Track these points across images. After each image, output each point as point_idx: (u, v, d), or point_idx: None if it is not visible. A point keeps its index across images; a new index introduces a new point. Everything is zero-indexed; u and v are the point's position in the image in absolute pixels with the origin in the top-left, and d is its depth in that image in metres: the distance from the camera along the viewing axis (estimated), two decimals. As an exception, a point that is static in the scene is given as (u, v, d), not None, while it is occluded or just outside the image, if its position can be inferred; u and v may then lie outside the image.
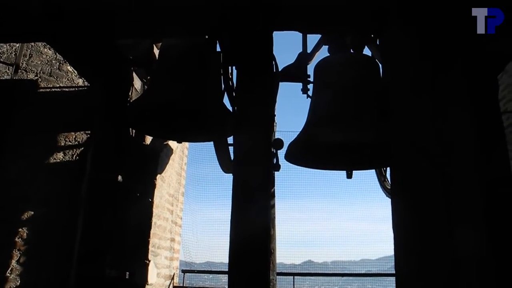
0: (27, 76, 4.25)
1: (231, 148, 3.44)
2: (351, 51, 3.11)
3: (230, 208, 2.38)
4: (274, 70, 2.92)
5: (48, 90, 4.25)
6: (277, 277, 2.39)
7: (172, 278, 4.99)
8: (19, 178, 3.78)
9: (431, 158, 2.13)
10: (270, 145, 2.57)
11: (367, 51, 3.17)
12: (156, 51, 3.55)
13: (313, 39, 3.30)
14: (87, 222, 3.05)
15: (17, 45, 4.31)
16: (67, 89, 4.31)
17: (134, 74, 3.70)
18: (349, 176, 3.07)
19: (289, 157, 2.96)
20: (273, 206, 2.47)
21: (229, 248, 2.30)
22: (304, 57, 3.26)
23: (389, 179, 3.59)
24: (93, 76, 3.47)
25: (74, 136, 4.02)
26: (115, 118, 3.24)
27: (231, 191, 2.42)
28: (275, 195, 2.83)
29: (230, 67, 3.20)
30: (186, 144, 5.57)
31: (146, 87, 3.83)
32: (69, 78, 4.34)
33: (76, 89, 4.33)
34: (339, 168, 3.18)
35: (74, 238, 3.11)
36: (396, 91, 2.36)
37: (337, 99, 2.84)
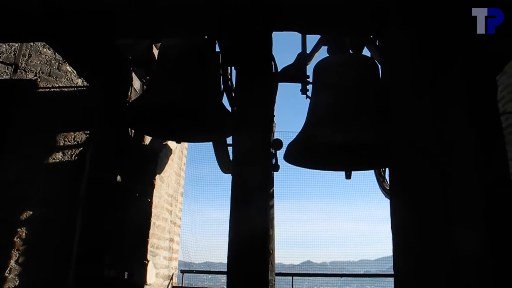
0: (26, 76, 4.25)
1: (230, 148, 3.44)
2: (350, 51, 3.12)
3: (229, 208, 2.38)
4: (274, 71, 2.92)
5: (47, 90, 4.25)
6: (276, 277, 2.39)
7: (171, 278, 4.99)
8: (18, 178, 3.77)
9: (431, 158, 2.13)
10: (269, 145, 2.57)
11: (366, 52, 3.18)
12: (156, 51, 3.55)
13: (312, 39, 3.30)
14: (86, 222, 3.05)
15: (16, 45, 4.31)
16: (66, 89, 4.31)
17: (133, 74, 3.70)
18: (348, 176, 3.08)
19: (288, 158, 2.96)
20: (272, 206, 2.47)
21: (228, 249, 2.30)
22: (303, 58, 3.26)
23: (388, 180, 3.59)
24: (92, 76, 3.47)
25: (73, 136, 4.02)
26: (114, 118, 3.23)
27: (230, 192, 2.42)
28: (274, 195, 2.83)
29: (229, 67, 3.20)
30: (185, 144, 5.57)
31: (145, 87, 3.83)
32: (68, 78, 4.34)
33: (75, 89, 4.33)
34: (338, 169, 3.19)
35: (73, 238, 3.11)
36: (396, 91, 2.36)
37: (336, 99, 2.84)
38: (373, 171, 3.76)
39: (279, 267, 7.57)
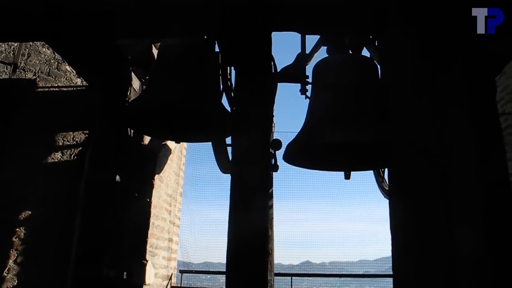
0: (25, 76, 4.24)
1: (229, 149, 3.44)
2: (350, 52, 3.12)
3: (228, 208, 2.38)
4: (273, 71, 2.92)
5: (46, 89, 4.24)
6: (275, 277, 2.39)
7: (170, 278, 4.98)
8: (17, 177, 3.77)
9: (430, 158, 2.13)
10: (268, 145, 2.57)
11: (365, 52, 3.18)
12: (155, 51, 3.55)
13: (311, 39, 3.30)
14: (85, 222, 3.05)
15: (16, 44, 4.30)
16: (65, 89, 4.31)
17: (132, 74, 3.70)
18: (347, 177, 3.08)
19: (287, 158, 2.96)
20: (271, 206, 2.47)
21: (227, 249, 2.30)
22: (302, 58, 3.26)
23: (387, 180, 3.59)
24: (92, 76, 3.46)
25: (72, 136, 4.02)
26: (114, 118, 3.23)
27: (229, 192, 2.42)
28: (273, 195, 2.83)
29: (228, 68, 3.20)
30: (185, 144, 5.57)
31: (144, 87, 3.83)
32: (67, 78, 4.33)
33: (74, 88, 4.32)
34: (337, 169, 3.19)
35: (71, 238, 3.11)
36: (396, 91, 2.36)
37: (335, 99, 2.84)
38: (372, 171, 3.76)
39: (278, 267, 7.57)
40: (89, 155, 3.29)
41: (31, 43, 4.33)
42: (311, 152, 3.02)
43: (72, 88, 4.32)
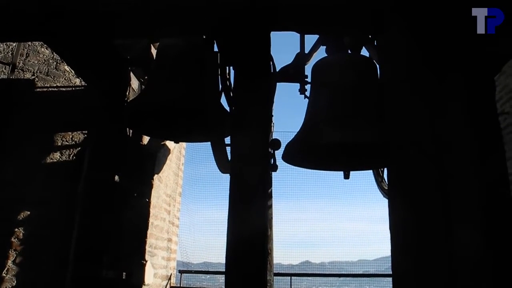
0: (24, 76, 4.24)
1: (228, 149, 3.43)
2: (349, 51, 3.12)
3: (227, 208, 2.38)
4: (272, 71, 2.92)
5: (45, 89, 4.24)
6: (275, 277, 2.38)
7: (169, 279, 4.98)
8: (16, 178, 3.76)
9: (429, 158, 2.13)
10: (267, 145, 2.57)
11: (364, 52, 3.18)
12: (154, 51, 3.55)
13: (310, 39, 3.30)
14: (84, 222, 3.05)
15: (14, 44, 4.29)
16: (64, 89, 4.30)
17: (131, 74, 3.69)
18: (346, 176, 3.07)
19: (286, 158, 2.96)
20: (270, 206, 2.47)
21: (226, 248, 2.30)
22: (301, 58, 3.26)
23: (386, 180, 3.59)
24: (91, 76, 3.45)
25: (71, 136, 4.01)
26: (112, 118, 3.23)
27: (228, 192, 2.42)
28: (273, 195, 2.83)
29: (227, 67, 3.20)
30: (184, 144, 5.57)
31: (143, 87, 3.82)
32: (66, 78, 4.33)
33: (73, 88, 4.31)
34: (337, 169, 3.18)
35: (70, 238, 3.11)
36: (395, 91, 2.36)
37: (335, 99, 2.84)
38: (371, 171, 3.76)
39: (278, 267, 7.58)
40: (88, 155, 3.29)
41: (29, 43, 4.32)
42: (310, 151, 3.01)
43: (70, 88, 4.31)
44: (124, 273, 3.49)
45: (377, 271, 9.07)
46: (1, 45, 4.31)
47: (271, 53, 2.76)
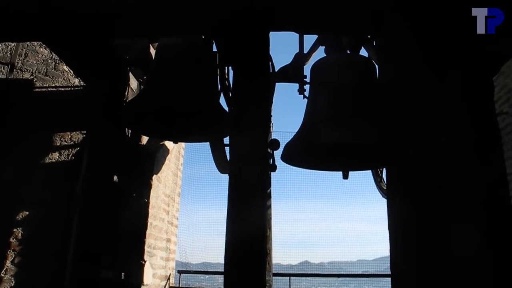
0: (22, 76, 4.23)
1: (227, 149, 3.43)
2: (348, 51, 3.12)
3: (226, 208, 2.38)
4: (271, 71, 2.91)
5: (44, 89, 4.23)
6: (274, 277, 2.38)
7: (168, 279, 4.98)
8: (14, 178, 3.75)
9: (428, 158, 2.13)
10: (266, 145, 2.57)
11: (363, 52, 3.18)
12: (153, 51, 3.54)
13: (309, 39, 3.30)
14: (83, 222, 3.04)
15: (13, 44, 4.28)
16: (63, 89, 4.29)
17: (130, 74, 3.69)
18: (345, 176, 3.07)
19: (285, 158, 2.96)
20: (269, 206, 2.46)
21: (225, 249, 2.30)
22: (300, 58, 3.25)
23: (385, 180, 3.59)
24: (89, 76, 3.45)
25: (70, 136, 4.01)
26: (111, 118, 3.22)
27: (227, 192, 2.41)
28: (272, 195, 2.82)
29: (226, 68, 3.19)
30: (182, 144, 5.56)
31: (142, 87, 3.82)
32: (65, 78, 4.32)
33: (72, 88, 4.31)
34: (336, 169, 3.18)
35: (69, 239, 3.10)
36: (395, 91, 2.36)
37: (333, 99, 2.84)
38: (370, 171, 3.75)
39: (277, 267, 7.57)
40: (86, 155, 3.28)
41: (28, 43, 4.31)
42: (309, 152, 3.01)
43: (69, 88, 4.31)
44: (122, 274, 3.48)
45: (376, 271, 9.07)
46: (0, 45, 4.30)
47: (270, 53, 2.76)
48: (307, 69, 3.23)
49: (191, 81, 2.96)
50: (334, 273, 8.25)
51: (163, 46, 3.19)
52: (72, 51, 3.02)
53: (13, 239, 3.63)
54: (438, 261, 1.98)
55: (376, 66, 2.95)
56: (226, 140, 3.43)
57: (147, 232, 4.09)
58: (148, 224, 4.11)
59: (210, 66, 3.11)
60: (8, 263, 3.56)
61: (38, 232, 3.66)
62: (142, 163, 4.07)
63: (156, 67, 3.22)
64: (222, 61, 3.07)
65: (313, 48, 3.28)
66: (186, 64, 3.03)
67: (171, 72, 3.02)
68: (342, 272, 8.24)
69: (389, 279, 2.27)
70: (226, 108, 3.08)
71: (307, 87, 3.21)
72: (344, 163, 3.09)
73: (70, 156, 3.95)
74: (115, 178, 3.33)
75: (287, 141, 2.92)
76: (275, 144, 2.70)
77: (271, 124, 2.85)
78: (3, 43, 4.29)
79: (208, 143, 3.55)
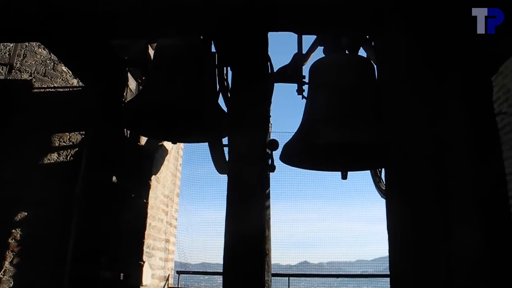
0: (21, 76, 4.22)
1: (226, 149, 3.43)
2: (346, 52, 3.12)
3: (225, 209, 2.38)
4: (269, 71, 2.91)
5: (42, 90, 4.22)
6: (273, 278, 2.38)
7: (167, 279, 4.97)
8: (13, 178, 3.75)
9: (427, 158, 2.13)
10: (265, 146, 2.57)
11: (362, 52, 3.18)
12: (151, 52, 3.54)
13: (308, 40, 3.30)
14: (81, 223, 3.04)
15: (11, 45, 4.27)
16: (61, 90, 4.29)
17: (129, 74, 3.68)
18: (344, 177, 3.07)
19: (284, 158, 2.96)
20: (268, 207, 2.46)
21: (224, 249, 2.29)
22: (299, 58, 3.26)
23: (384, 180, 3.59)
24: (88, 77, 3.45)
25: (68, 137, 4.00)
26: (110, 119, 3.22)
27: (226, 192, 2.41)
28: (271, 196, 2.83)
29: (225, 68, 3.19)
30: (181, 145, 5.56)
31: (141, 87, 3.81)
32: (63, 78, 4.32)
33: (70, 89, 4.30)
34: (334, 169, 3.19)
35: (68, 239, 3.10)
36: (395, 91, 2.36)
37: (332, 99, 2.84)
38: (369, 171, 3.76)
39: (276, 267, 7.57)
40: (85, 155, 3.28)
41: (26, 43, 4.31)
42: (308, 152, 3.01)
43: (68, 89, 4.30)
44: (121, 274, 3.48)
45: (375, 271, 9.08)
46: (-2, 46, 4.30)
47: (269, 53, 2.76)
48: (305, 70, 3.23)
49: (190, 82, 2.96)
50: (333, 273, 8.27)
51: (161, 46, 3.19)
52: (71, 51, 3.02)
53: (11, 239, 3.62)
54: (437, 261, 1.98)
55: (375, 66, 2.95)
56: (225, 141, 3.44)
57: (146, 232, 4.09)
58: (147, 224, 4.11)
59: (208, 66, 3.11)
60: (6, 264, 3.56)
61: (37, 233, 3.65)
62: (141, 163, 4.07)
63: (155, 68, 3.22)
64: (220, 61, 3.07)
65: (312, 49, 3.28)
66: (185, 65, 3.03)
67: (170, 73, 3.02)
68: (341, 272, 8.25)
69: (388, 279, 2.27)
70: (225, 109, 3.08)
71: (305, 87, 3.21)
72: (343, 163, 3.09)
73: (69, 156, 3.94)
74: (114, 178, 3.33)
75: (286, 142, 2.92)
76: (274, 144, 2.70)
77: (269, 125, 2.85)
78: (1, 44, 4.28)
79: (207, 143, 3.54)
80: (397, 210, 2.15)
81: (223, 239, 2.30)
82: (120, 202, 3.54)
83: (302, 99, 3.19)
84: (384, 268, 7.76)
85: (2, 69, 4.21)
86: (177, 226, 5.50)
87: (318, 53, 3.24)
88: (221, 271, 2.33)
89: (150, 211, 4.17)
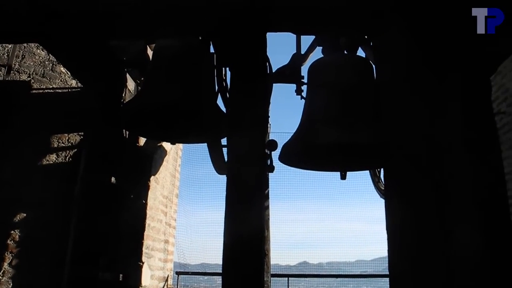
0: (19, 77, 4.22)
1: (225, 150, 3.42)
2: (345, 52, 3.12)
3: (224, 209, 2.37)
4: (268, 71, 2.91)
5: (41, 91, 4.23)
6: (272, 278, 2.38)
7: (166, 280, 4.97)
8: (12, 179, 3.74)
9: (426, 158, 2.13)
10: (264, 146, 2.57)
11: (360, 53, 3.18)
12: (150, 52, 3.53)
13: (307, 40, 3.30)
14: (80, 224, 3.03)
15: (10, 46, 4.28)
16: (60, 90, 4.29)
17: (127, 75, 3.68)
18: (343, 177, 3.07)
19: (283, 158, 2.95)
20: (267, 207, 2.46)
21: (223, 250, 2.29)
22: (298, 58, 3.25)
23: (383, 180, 3.59)
24: (87, 78, 3.45)
25: (67, 138, 4.00)
26: (109, 120, 3.22)
27: (225, 193, 2.41)
28: (270, 196, 2.83)
29: (224, 68, 3.19)
30: (180, 145, 5.56)
31: (139, 88, 3.81)
32: (62, 79, 4.31)
33: (69, 90, 4.30)
34: (333, 169, 3.18)
35: (67, 240, 3.09)
36: (395, 91, 2.36)
37: (331, 100, 2.84)
38: (368, 171, 3.75)
39: (276, 268, 7.57)
40: (84, 156, 3.28)
41: (25, 44, 4.31)
42: (307, 152, 3.01)
43: (67, 90, 4.30)
44: (121, 275, 3.48)
45: (374, 271, 9.08)
46: (-3, 47, 4.30)
47: (267, 54, 2.76)
48: (304, 70, 3.23)
49: (188, 82, 2.96)
50: (332, 273, 8.28)
51: (160, 47, 3.19)
52: (69, 52, 3.02)
53: (10, 241, 3.61)
54: (437, 261, 1.98)
55: (373, 66, 2.95)
56: (224, 141, 3.43)
57: (145, 233, 4.08)
58: (146, 225, 4.10)
59: (207, 67, 3.11)
60: (5, 265, 3.55)
61: (36, 234, 3.65)
62: (140, 164, 4.07)
63: (154, 68, 3.21)
64: (219, 62, 3.07)
65: (311, 49, 3.28)
66: (183, 65, 3.02)
67: (169, 73, 3.02)
68: (340, 273, 8.26)
69: (387, 279, 2.27)
70: (224, 109, 3.07)
71: (304, 87, 3.21)
72: (342, 164, 3.08)
73: (67, 157, 3.94)
74: (113, 179, 3.32)
75: (285, 142, 2.92)
76: (273, 144, 2.70)
77: (268, 125, 2.85)
78: (0, 45, 4.28)
79: (205, 144, 3.54)
80: (396, 210, 2.15)
81: (222, 239, 2.30)
82: (119, 203, 3.53)
83: (301, 99, 3.19)
84: (384, 268, 7.76)
85: (0, 70, 4.22)
86: (176, 226, 5.51)
87: (317, 53, 3.24)
88: (221, 271, 2.33)
89: (149, 212, 4.17)
